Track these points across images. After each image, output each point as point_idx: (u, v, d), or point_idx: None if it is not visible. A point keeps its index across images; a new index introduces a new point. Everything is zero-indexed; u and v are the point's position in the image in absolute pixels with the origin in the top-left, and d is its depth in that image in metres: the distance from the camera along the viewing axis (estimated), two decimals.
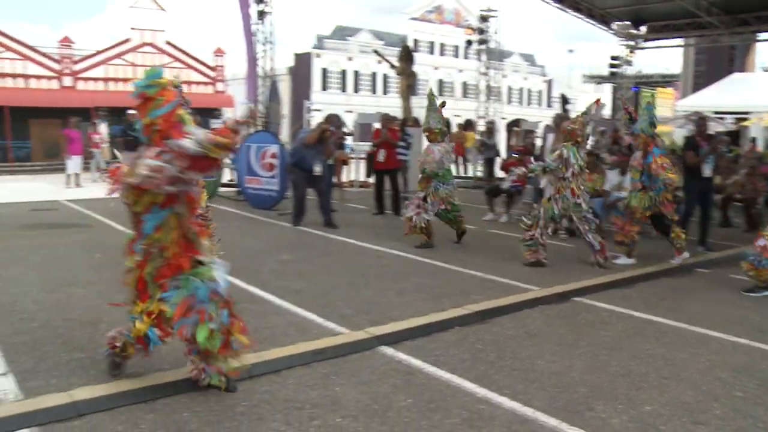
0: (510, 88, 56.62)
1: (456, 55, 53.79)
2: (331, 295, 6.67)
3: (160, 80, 3.97)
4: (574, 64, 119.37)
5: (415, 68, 25.56)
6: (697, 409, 4.09)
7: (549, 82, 60.93)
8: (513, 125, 32.16)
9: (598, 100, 9.22)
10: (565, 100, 18.28)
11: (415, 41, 50.66)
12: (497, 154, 19.65)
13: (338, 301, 6.45)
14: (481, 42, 25.48)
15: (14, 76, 24.32)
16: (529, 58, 60.80)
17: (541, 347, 5.21)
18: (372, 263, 8.40)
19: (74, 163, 18.26)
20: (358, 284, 7.19)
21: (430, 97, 9.59)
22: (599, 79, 61.47)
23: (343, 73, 48.89)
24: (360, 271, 7.86)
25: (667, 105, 52.69)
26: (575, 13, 25.02)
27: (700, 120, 9.97)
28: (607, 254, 8.36)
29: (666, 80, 60.27)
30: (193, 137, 3.82)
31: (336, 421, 3.86)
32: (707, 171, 9.34)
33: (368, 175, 17.06)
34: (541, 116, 45.73)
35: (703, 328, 5.84)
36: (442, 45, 53.69)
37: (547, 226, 8.44)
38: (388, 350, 5.06)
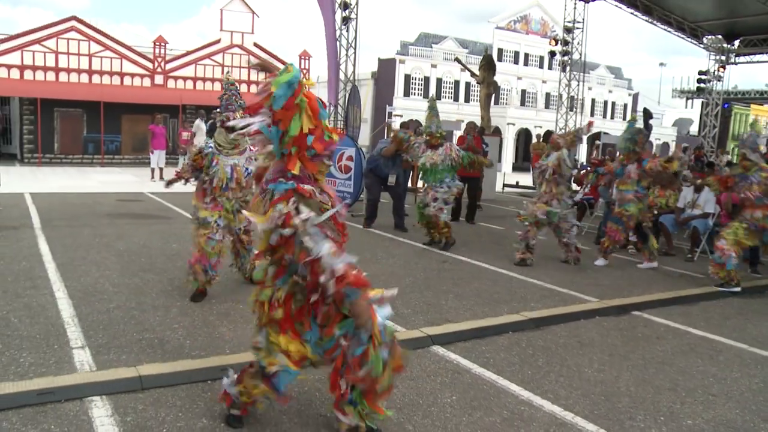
0: (594, 101, 55.60)
1: (540, 66, 53.23)
2: None
3: (300, 81, 3.27)
4: (665, 78, 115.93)
5: (499, 77, 25.55)
6: (742, 428, 4.08)
7: (634, 96, 59.51)
8: (594, 138, 31.61)
9: (590, 123, 9.48)
10: (647, 115, 17.82)
11: (500, 50, 50.43)
12: (575, 166, 19.48)
13: (398, 301, 6.60)
14: (565, 53, 25.24)
15: (111, 73, 25.61)
16: (615, 71, 59.53)
17: (591, 357, 5.26)
18: (436, 267, 8.55)
19: (156, 157, 19.11)
20: (419, 286, 7.36)
21: (432, 102, 10.09)
22: (689, 95, 59.68)
23: (426, 79, 49.09)
24: (423, 274, 8.02)
25: (762, 124, 50.66)
26: (664, 27, 24.54)
27: None
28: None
29: (764, 97, 57.93)
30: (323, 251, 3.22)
31: None
32: None
33: None
34: (624, 130, 44.72)
35: (764, 349, 5.74)
36: (527, 55, 53.22)
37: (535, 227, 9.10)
38: (441, 350, 5.22)
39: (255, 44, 28.05)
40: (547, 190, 9.02)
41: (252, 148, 6.23)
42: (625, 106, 58.67)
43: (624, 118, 57.75)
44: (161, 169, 19.00)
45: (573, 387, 4.58)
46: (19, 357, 4.58)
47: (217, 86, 27.19)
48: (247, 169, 6.29)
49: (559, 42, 25.43)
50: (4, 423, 3.63)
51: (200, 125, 21.73)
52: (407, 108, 42.66)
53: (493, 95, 24.17)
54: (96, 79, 25.41)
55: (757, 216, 7.99)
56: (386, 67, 48.16)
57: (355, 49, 17.46)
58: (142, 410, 3.89)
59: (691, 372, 5.03)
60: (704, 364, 5.23)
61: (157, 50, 26.29)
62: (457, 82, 50.11)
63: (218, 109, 6.32)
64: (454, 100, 50.12)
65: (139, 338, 5.11)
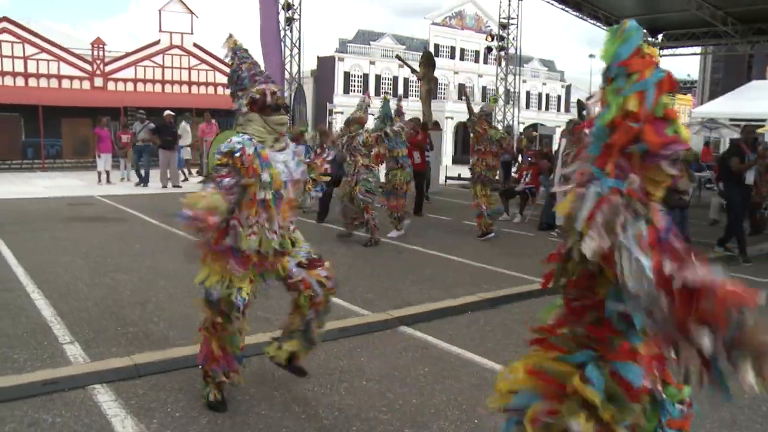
0: (528, 93, 57.08)
1: (476, 60, 54.29)
2: (354, 283, 7.26)
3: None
4: (595, 69, 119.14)
5: (436, 72, 26.14)
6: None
7: (567, 88, 61.31)
8: (530, 128, 32.55)
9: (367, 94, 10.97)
10: (581, 106, 18.65)
11: (436, 46, 51.25)
12: (514, 157, 20.22)
13: (360, 288, 7.05)
14: (500, 48, 26.00)
15: (48, 76, 25.18)
16: (548, 64, 61.23)
17: None
18: (390, 256, 8.99)
19: (103, 161, 19.00)
20: (378, 274, 7.79)
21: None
22: None
23: (365, 76, 49.58)
24: (380, 263, 8.45)
25: (685, 112, 52.79)
26: (593, 21, 25.53)
27: (747, 127, 10.31)
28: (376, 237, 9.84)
29: (687, 87, 60.45)
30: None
31: (362, 384, 4.46)
32: (750, 178, 9.55)
33: None
34: (558, 121, 46.03)
35: None
36: (463, 50, 54.26)
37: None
38: (408, 329, 5.67)
39: (195, 45, 27.95)
40: None
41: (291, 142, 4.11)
42: (559, 97, 60.40)
43: (558, 110, 59.41)
44: (108, 173, 18.90)
45: None
46: (12, 354, 4.80)
47: (159, 87, 27.03)
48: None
49: (495, 37, 26.20)
50: (17, 411, 3.90)
51: (186, 127, 21.19)
52: (347, 105, 42.99)
53: (432, 90, 24.74)
54: (33, 82, 24.94)
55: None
56: (326, 65, 48.45)
57: (299, 49, 17.76)
58: (143, 394, 4.20)
59: None
60: None
61: (95, 52, 25.97)
62: (395, 78, 50.76)
63: (234, 86, 3.92)
64: (393, 96, 50.73)
65: (123, 332, 5.38)
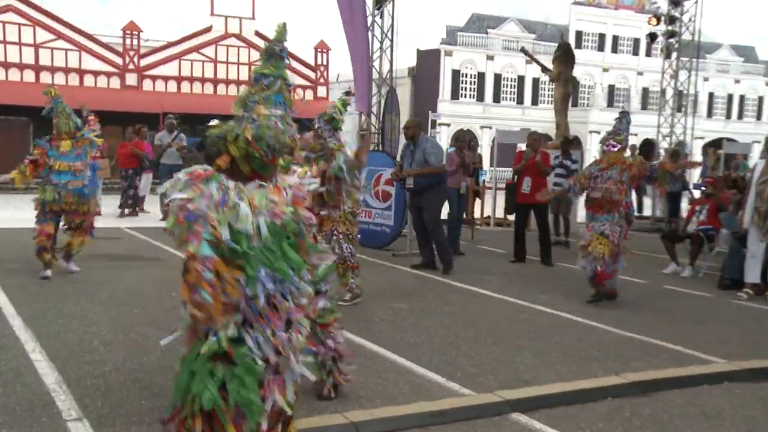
0: (712, 96, 55.62)
1: (635, 53, 53.62)
2: (453, 351, 7.30)
3: None
4: None
5: (578, 71, 25.75)
6: None
7: None
8: (711, 147, 31.77)
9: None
10: None
11: (579, 34, 50.99)
12: (685, 187, 19.64)
13: (461, 358, 7.08)
14: (671, 35, 24.92)
15: (66, 70, 26.15)
16: (745, 52, 59.10)
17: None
18: (502, 317, 9.01)
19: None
20: (485, 340, 7.80)
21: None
22: None
23: (481, 76, 49.65)
24: (488, 326, 8.47)
25: None
26: None
27: None
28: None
29: None
30: None
31: None
32: None
33: (508, 211, 17.56)
34: (757, 134, 44.51)
35: None
36: (616, 38, 53.65)
37: None
38: (522, 417, 5.64)
39: (257, 33, 28.37)
40: None
41: None
42: (761, 99, 58.11)
43: (758, 118, 57.01)
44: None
45: None
46: None
47: (209, 88, 27.68)
48: None
49: (663, 20, 25.13)
50: None
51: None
52: (455, 114, 43.02)
53: (571, 95, 24.16)
54: (46, 77, 25.72)
55: None
56: (428, 61, 48.77)
57: (391, 40, 17.92)
58: None
59: None
60: None
61: (128, 41, 26.85)
62: (521, 79, 50.66)
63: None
64: (517, 103, 50.68)
65: (149, 406, 5.57)
